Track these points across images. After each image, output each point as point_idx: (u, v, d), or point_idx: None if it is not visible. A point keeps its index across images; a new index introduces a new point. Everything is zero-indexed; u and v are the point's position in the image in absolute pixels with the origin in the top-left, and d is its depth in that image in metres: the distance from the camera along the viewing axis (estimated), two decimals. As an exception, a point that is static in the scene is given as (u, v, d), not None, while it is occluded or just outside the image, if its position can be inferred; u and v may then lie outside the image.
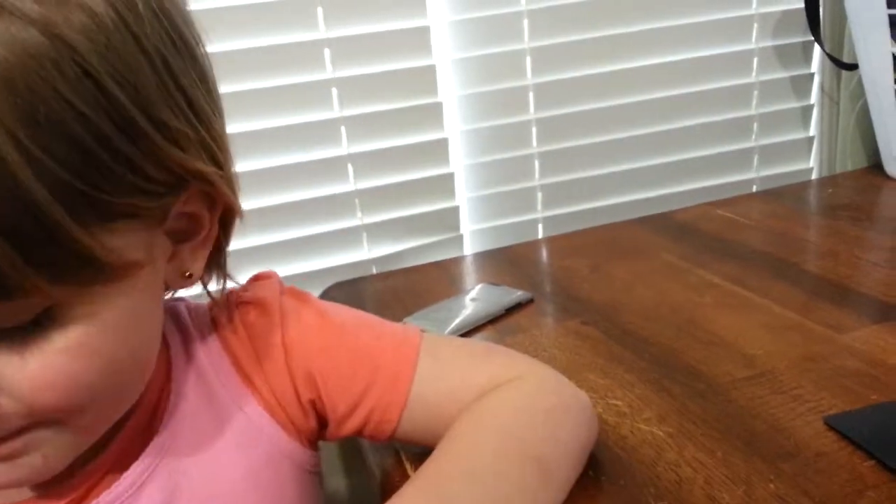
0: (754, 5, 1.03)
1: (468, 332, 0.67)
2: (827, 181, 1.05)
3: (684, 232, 0.87)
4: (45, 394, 0.31)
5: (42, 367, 0.31)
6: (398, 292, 0.80)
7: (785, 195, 0.98)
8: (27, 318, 0.30)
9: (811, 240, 0.82)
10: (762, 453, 0.45)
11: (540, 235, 1.01)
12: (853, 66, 1.02)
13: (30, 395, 0.31)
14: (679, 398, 0.53)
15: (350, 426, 0.46)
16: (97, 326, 0.32)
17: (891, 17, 0.90)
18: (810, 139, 1.12)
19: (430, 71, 0.91)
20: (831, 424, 0.47)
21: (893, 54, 0.92)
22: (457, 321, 0.68)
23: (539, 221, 1.01)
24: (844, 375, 0.53)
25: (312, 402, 0.45)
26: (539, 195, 1.00)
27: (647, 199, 1.04)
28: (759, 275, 0.72)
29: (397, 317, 0.70)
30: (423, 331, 0.48)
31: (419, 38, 0.90)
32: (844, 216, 0.87)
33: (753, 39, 1.04)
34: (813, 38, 1.04)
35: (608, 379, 0.56)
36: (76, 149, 0.29)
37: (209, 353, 0.44)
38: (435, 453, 0.42)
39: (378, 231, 0.93)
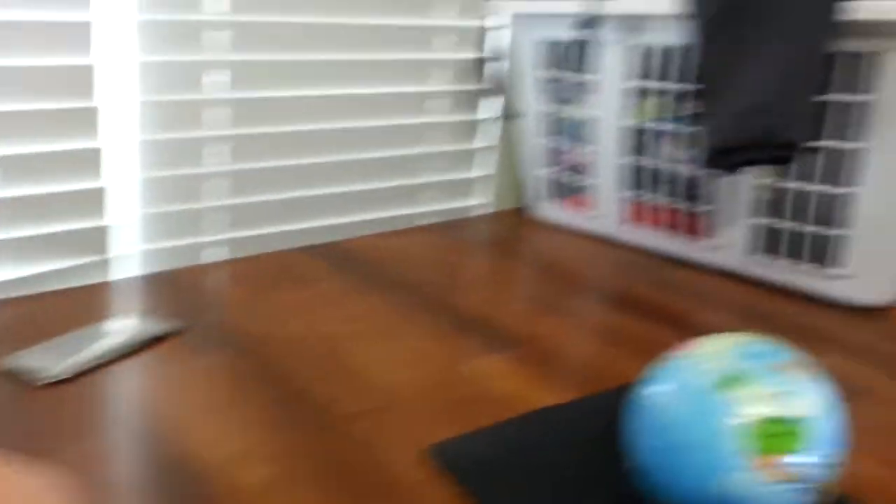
0: (433, 49, 1.10)
1: (96, 366, 0.61)
2: (485, 218, 1.15)
3: (348, 261, 0.89)
4: None
5: None
6: (21, 322, 0.70)
7: (446, 230, 1.05)
8: None
9: (462, 273, 0.88)
10: (358, 490, 0.46)
11: (206, 260, 0.96)
12: (515, 116, 1.14)
13: None
14: (295, 435, 0.52)
15: None
16: None
17: (546, 76, 1.02)
18: (474, 179, 1.21)
19: (86, 71, 0.82)
20: (434, 453, 0.50)
21: (546, 111, 1.04)
22: (79, 355, 0.61)
23: (204, 246, 0.96)
24: (459, 404, 0.57)
25: None
26: (211, 217, 0.96)
27: (322, 228, 1.04)
28: (409, 305, 0.76)
29: (11, 352, 0.61)
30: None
31: (76, 34, 0.80)
32: (495, 252, 0.95)
33: (429, 81, 1.11)
34: (482, 87, 1.14)
35: (227, 419, 0.54)
36: None
37: None
38: None
39: (7, 249, 0.81)
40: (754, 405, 0.39)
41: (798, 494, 0.39)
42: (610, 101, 0.95)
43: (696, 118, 0.79)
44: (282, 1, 0.94)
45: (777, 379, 0.40)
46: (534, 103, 1.05)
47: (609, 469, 0.49)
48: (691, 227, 0.92)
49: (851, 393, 0.63)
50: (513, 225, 1.09)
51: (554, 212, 1.10)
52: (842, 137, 0.76)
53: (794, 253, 0.84)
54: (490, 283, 0.84)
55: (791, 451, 0.38)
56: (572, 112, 0.99)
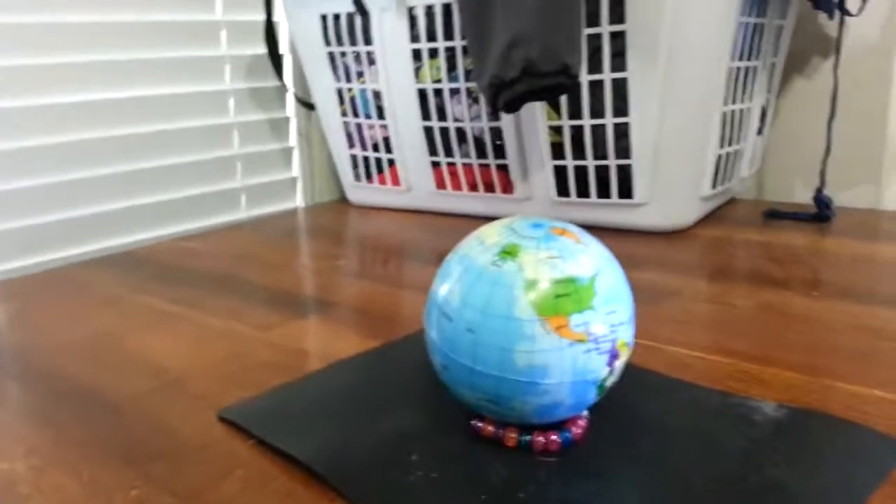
0: (224, 46, 1.04)
1: None
2: (299, 212, 1.10)
3: (140, 265, 0.80)
4: None
5: None
6: None
7: (255, 227, 0.99)
8: None
9: (268, 258, 0.82)
10: (137, 460, 0.40)
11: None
12: (310, 106, 1.09)
13: None
14: (61, 426, 0.45)
15: None
16: None
17: (329, 54, 0.99)
18: (294, 179, 1.17)
19: None
20: (224, 416, 0.44)
21: (337, 90, 1.01)
22: None
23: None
24: (257, 368, 0.51)
25: None
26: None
27: (126, 245, 0.95)
28: (203, 294, 0.69)
29: None
30: None
31: None
32: (304, 238, 0.91)
33: (227, 80, 1.05)
34: (282, 83, 1.09)
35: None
36: None
37: None
38: None
39: None
40: (536, 270, 0.37)
41: (594, 353, 0.37)
42: (396, 68, 0.94)
43: (473, 66, 0.79)
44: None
45: (553, 244, 0.38)
46: (323, 83, 1.02)
47: (411, 393, 0.46)
48: (499, 182, 0.92)
49: (662, 295, 0.64)
50: (328, 214, 1.04)
51: (367, 194, 1.07)
52: (600, 69, 0.78)
53: (599, 190, 0.85)
54: (296, 264, 0.78)
55: (577, 311, 0.37)
56: (361, 86, 0.97)
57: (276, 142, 1.13)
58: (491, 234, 0.40)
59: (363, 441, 0.40)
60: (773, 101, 0.99)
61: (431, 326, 0.40)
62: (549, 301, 0.37)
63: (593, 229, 0.85)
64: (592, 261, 0.39)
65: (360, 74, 0.97)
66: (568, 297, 0.37)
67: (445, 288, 0.39)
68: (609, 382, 0.39)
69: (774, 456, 0.38)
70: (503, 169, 0.91)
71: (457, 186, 0.96)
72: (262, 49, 1.08)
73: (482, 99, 0.87)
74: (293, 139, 1.16)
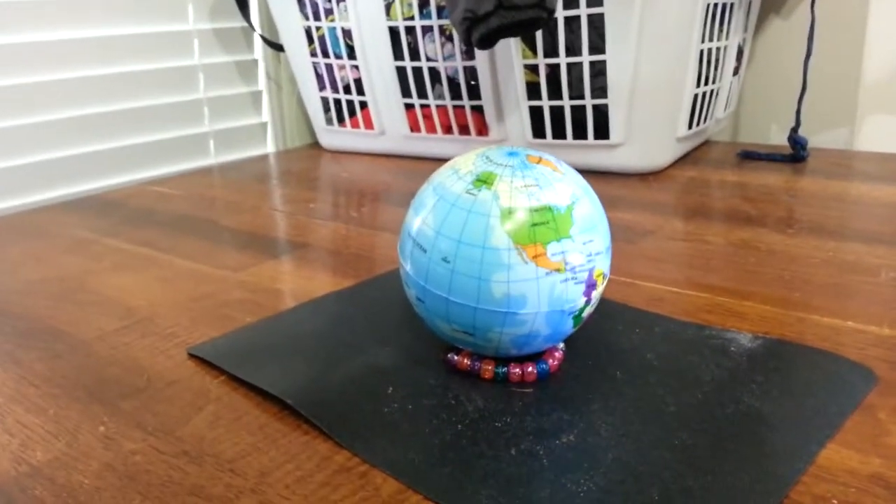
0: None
1: None
2: (271, 157, 1.07)
3: (108, 208, 0.78)
4: None
5: None
6: None
7: (226, 171, 0.97)
8: None
9: (239, 202, 0.80)
10: (105, 398, 0.39)
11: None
12: (278, 47, 1.06)
13: None
14: (26, 364, 0.43)
15: None
16: None
17: (296, -7, 0.96)
18: (264, 124, 1.14)
19: None
20: (193, 353, 0.43)
21: (305, 29, 0.98)
22: None
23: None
24: (228, 307, 0.50)
25: None
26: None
27: (93, 190, 0.92)
28: (173, 236, 0.68)
29: None
30: None
31: None
32: (276, 182, 0.89)
33: (191, 20, 1.01)
34: (249, 23, 1.06)
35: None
36: None
37: None
38: None
39: None
40: (512, 198, 0.36)
41: (571, 283, 0.36)
42: (365, 5, 0.90)
43: (445, 1, 0.76)
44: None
45: (529, 172, 0.37)
46: (292, 23, 0.98)
47: (385, 329, 0.45)
48: (474, 124, 0.91)
49: (639, 234, 0.64)
50: (300, 158, 1.02)
51: (339, 138, 1.04)
52: (577, 4, 0.76)
53: (575, 131, 0.84)
54: (267, 207, 0.77)
55: (554, 239, 0.36)
56: (330, 25, 0.94)
57: (245, 85, 1.10)
58: (465, 163, 0.39)
59: (337, 376, 0.40)
60: (750, 40, 0.98)
61: (406, 259, 0.39)
62: (525, 229, 0.36)
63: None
64: (569, 189, 0.38)
65: (328, 12, 0.94)
66: (545, 225, 0.36)
67: (419, 219, 0.38)
68: (586, 313, 0.39)
69: (750, 385, 0.38)
70: (478, 110, 0.90)
71: (431, 129, 0.94)
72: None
73: (456, 36, 0.85)
74: (262, 83, 1.12)
